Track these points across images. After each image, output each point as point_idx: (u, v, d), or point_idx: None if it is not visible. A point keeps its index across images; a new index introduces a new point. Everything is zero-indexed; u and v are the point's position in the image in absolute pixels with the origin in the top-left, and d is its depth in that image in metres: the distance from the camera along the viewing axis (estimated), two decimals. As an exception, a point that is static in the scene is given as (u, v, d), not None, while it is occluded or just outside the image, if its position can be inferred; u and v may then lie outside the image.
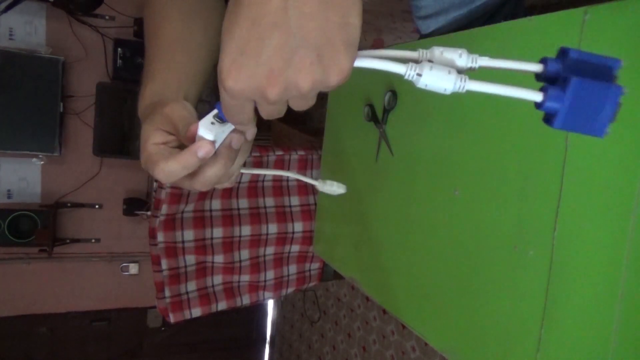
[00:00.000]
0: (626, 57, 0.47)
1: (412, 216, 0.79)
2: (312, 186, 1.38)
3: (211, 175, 0.39)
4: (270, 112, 0.32)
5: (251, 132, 0.40)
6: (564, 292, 0.52)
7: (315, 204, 1.34)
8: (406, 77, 0.29)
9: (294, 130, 1.86)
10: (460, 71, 0.29)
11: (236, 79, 0.28)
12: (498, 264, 0.61)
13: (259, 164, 1.29)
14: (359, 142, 0.97)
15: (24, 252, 2.10)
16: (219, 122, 0.37)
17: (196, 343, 2.65)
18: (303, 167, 1.36)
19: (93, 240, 2.25)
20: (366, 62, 0.30)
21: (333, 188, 0.49)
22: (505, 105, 0.61)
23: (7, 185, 2.07)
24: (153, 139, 0.41)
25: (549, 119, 0.27)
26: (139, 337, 2.48)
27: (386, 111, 0.86)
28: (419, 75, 0.28)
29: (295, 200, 1.37)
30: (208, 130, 0.36)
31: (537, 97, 0.27)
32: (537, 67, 0.28)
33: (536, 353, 0.54)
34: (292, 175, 0.46)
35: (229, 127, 0.37)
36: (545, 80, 0.28)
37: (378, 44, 1.50)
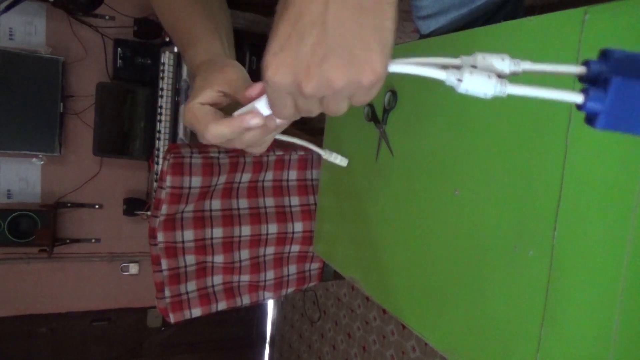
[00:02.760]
0: (626, 57, 0.47)
1: (412, 216, 0.79)
2: (312, 186, 1.38)
3: (249, 139, 0.42)
4: (306, 108, 0.34)
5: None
6: (564, 292, 0.52)
7: (315, 204, 1.34)
8: (447, 83, 0.30)
9: (294, 130, 1.86)
10: (501, 75, 0.29)
11: (275, 71, 0.31)
12: (498, 264, 0.61)
13: (259, 164, 1.29)
14: (359, 142, 0.97)
15: (24, 252, 2.09)
16: None
17: (196, 343, 2.65)
18: (303, 167, 1.36)
19: (93, 240, 2.25)
20: (406, 67, 0.31)
21: (337, 160, 0.52)
22: (505, 105, 0.61)
23: (7, 185, 2.07)
24: (202, 97, 0.43)
25: (591, 119, 0.27)
26: (139, 337, 2.48)
27: (386, 111, 0.86)
28: (460, 80, 0.29)
29: (295, 200, 1.37)
30: (263, 103, 0.38)
31: (578, 98, 0.27)
32: (580, 69, 0.28)
33: (536, 353, 0.54)
34: (301, 143, 0.48)
35: None
36: (588, 82, 0.28)
37: (378, 44, 1.49)
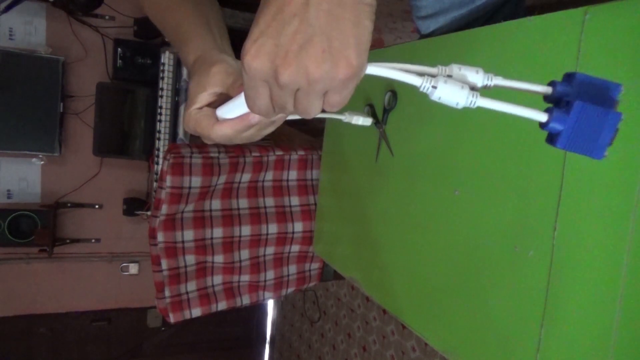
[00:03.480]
0: (626, 57, 0.47)
1: (412, 216, 0.79)
2: (312, 186, 1.38)
3: (249, 135, 0.43)
4: (280, 101, 0.34)
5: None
6: (564, 292, 0.52)
7: (315, 204, 1.34)
8: (421, 89, 0.31)
9: (294, 130, 1.86)
10: (473, 88, 0.31)
11: (254, 55, 0.31)
12: (498, 264, 0.61)
13: (259, 164, 1.29)
14: (359, 142, 0.97)
15: (24, 252, 2.10)
16: None
17: (196, 343, 2.65)
18: (303, 167, 1.36)
19: (93, 240, 2.25)
20: (383, 71, 0.32)
21: (360, 121, 0.51)
22: (505, 105, 0.61)
23: (7, 185, 2.07)
24: (198, 102, 0.45)
25: (552, 138, 0.29)
26: (139, 337, 2.48)
27: (386, 111, 0.86)
28: (434, 87, 0.30)
29: (295, 200, 1.37)
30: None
31: (542, 117, 0.29)
32: (545, 89, 0.30)
33: (536, 353, 0.54)
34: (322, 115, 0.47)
35: None
36: (552, 102, 0.30)
37: (378, 44, 1.50)
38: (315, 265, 1.45)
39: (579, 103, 0.27)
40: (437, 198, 0.73)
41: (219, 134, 0.42)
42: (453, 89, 0.30)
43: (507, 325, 0.59)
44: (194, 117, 0.44)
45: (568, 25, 0.52)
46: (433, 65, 0.32)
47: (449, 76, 0.31)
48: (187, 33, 0.53)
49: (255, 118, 0.40)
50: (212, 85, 0.45)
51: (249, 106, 0.36)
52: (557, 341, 0.52)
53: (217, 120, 0.43)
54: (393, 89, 0.85)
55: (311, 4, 0.29)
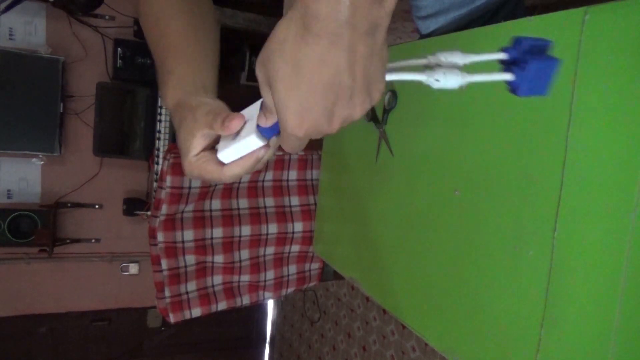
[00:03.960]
0: (626, 57, 0.47)
1: (412, 216, 0.79)
2: (312, 186, 1.38)
3: (261, 165, 0.45)
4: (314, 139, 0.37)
5: None
6: (564, 292, 0.52)
7: (315, 204, 1.34)
8: (426, 82, 0.35)
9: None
10: (460, 68, 0.36)
11: (299, 126, 0.33)
12: (498, 264, 0.61)
13: (259, 164, 1.29)
14: (359, 142, 0.97)
15: (24, 252, 2.10)
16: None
17: (196, 343, 2.65)
18: (303, 167, 1.36)
19: (93, 240, 2.25)
20: (392, 76, 0.36)
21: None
22: (505, 105, 0.61)
23: (7, 185, 2.07)
24: (193, 150, 0.46)
25: (514, 91, 0.36)
26: (139, 337, 2.48)
27: (386, 111, 0.86)
28: (438, 80, 0.35)
29: (295, 200, 1.37)
30: (259, 137, 0.40)
31: (509, 76, 0.36)
32: (503, 55, 0.38)
33: (536, 353, 0.54)
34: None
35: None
36: (509, 64, 0.37)
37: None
38: (315, 265, 1.45)
39: (534, 61, 0.35)
40: (437, 198, 0.73)
41: (230, 175, 0.44)
42: (452, 77, 0.35)
43: (507, 325, 0.59)
44: (196, 165, 0.45)
45: (568, 25, 0.52)
46: (422, 56, 0.36)
47: (438, 65, 0.36)
48: (168, 70, 0.53)
49: (264, 153, 0.42)
50: (199, 128, 0.45)
51: (287, 149, 0.38)
52: (557, 341, 0.52)
53: (220, 162, 0.44)
54: (393, 88, 0.85)
55: (345, 72, 0.30)
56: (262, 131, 0.40)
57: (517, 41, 0.37)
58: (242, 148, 0.42)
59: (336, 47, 0.29)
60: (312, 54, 0.30)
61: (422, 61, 0.36)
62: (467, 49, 0.36)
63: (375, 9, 0.29)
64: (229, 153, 0.43)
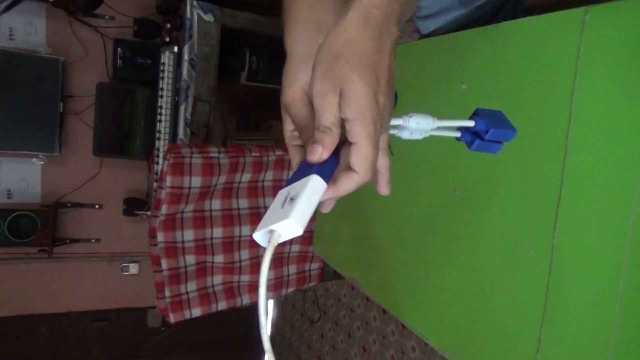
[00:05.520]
0: (626, 57, 0.47)
1: (412, 216, 0.79)
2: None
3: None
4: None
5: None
6: (564, 292, 0.52)
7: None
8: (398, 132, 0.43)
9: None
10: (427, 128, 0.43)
11: (375, 154, 0.37)
12: (498, 264, 0.61)
13: (259, 164, 1.29)
14: (359, 142, 0.97)
15: (24, 252, 2.09)
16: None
17: (196, 343, 2.65)
18: (303, 167, 1.36)
19: (93, 240, 2.25)
20: None
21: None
22: (505, 105, 0.61)
23: (7, 185, 2.07)
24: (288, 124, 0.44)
25: (468, 146, 0.46)
26: (139, 337, 2.48)
27: (386, 111, 0.86)
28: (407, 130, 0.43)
29: (295, 200, 1.37)
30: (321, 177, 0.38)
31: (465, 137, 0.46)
32: (471, 123, 0.44)
33: (536, 353, 0.54)
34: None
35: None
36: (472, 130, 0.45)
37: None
38: (315, 265, 1.45)
39: (493, 131, 0.43)
40: (437, 198, 0.73)
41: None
42: (418, 132, 0.43)
43: (507, 325, 0.59)
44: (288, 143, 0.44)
45: (568, 25, 0.52)
46: (398, 116, 0.43)
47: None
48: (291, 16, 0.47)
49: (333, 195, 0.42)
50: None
51: (360, 166, 0.38)
52: (557, 341, 0.52)
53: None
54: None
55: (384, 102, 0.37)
56: (320, 171, 0.36)
57: (476, 113, 0.44)
58: (309, 201, 0.35)
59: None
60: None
61: (398, 120, 0.43)
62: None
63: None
64: (302, 214, 0.34)
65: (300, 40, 0.44)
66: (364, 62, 0.36)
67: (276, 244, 0.34)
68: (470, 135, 0.44)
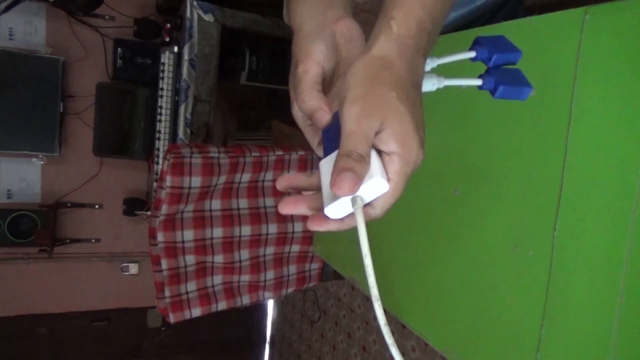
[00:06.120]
0: (626, 57, 0.47)
1: (412, 216, 0.79)
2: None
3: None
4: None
5: None
6: (564, 292, 0.52)
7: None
8: None
9: (294, 130, 1.86)
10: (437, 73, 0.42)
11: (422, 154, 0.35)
12: (498, 264, 0.61)
13: (259, 164, 1.29)
14: (359, 142, 0.97)
15: (24, 252, 2.09)
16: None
17: (196, 343, 2.64)
18: (303, 167, 1.36)
19: (93, 240, 2.24)
20: None
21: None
22: (505, 105, 0.61)
23: (7, 185, 2.07)
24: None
25: (492, 93, 0.42)
26: (139, 337, 2.48)
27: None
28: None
29: (295, 200, 1.37)
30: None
31: (479, 82, 0.42)
32: (471, 54, 0.43)
33: (536, 353, 0.54)
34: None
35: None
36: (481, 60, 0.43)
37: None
38: (315, 265, 1.45)
39: (497, 56, 0.42)
40: (437, 198, 0.73)
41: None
42: (427, 82, 0.40)
43: (507, 325, 0.59)
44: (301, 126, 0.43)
45: (568, 25, 0.52)
46: None
47: None
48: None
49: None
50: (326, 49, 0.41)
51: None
52: (557, 341, 0.52)
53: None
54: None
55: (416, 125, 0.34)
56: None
57: (478, 40, 0.42)
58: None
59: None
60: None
61: None
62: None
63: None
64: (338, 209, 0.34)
65: (308, 15, 0.42)
66: (407, 95, 0.34)
67: (362, 205, 0.33)
68: (493, 82, 0.41)
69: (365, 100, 0.33)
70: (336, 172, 0.32)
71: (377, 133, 0.33)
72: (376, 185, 0.32)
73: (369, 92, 0.33)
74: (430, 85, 0.39)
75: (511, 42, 0.43)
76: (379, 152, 0.34)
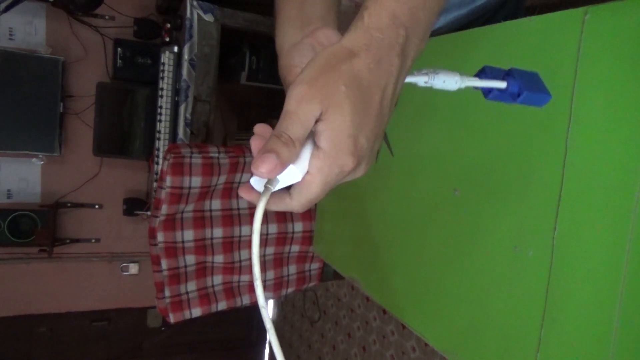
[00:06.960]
0: (626, 57, 0.47)
1: (412, 216, 0.79)
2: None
3: None
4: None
5: None
6: (564, 292, 0.52)
7: (316, 204, 1.34)
8: (429, 83, 0.39)
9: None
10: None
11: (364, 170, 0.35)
12: (498, 264, 0.61)
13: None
14: (359, 142, 0.97)
15: (24, 252, 2.09)
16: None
17: (196, 343, 2.65)
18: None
19: (93, 240, 2.25)
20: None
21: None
22: (505, 105, 0.61)
23: (7, 185, 2.07)
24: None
25: (514, 98, 0.43)
26: (139, 337, 2.48)
27: (386, 111, 0.86)
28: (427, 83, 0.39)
29: (295, 200, 1.37)
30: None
31: (502, 85, 0.42)
32: (503, 84, 0.42)
33: (536, 353, 0.54)
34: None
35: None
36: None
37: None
38: (315, 265, 1.45)
39: (526, 94, 0.41)
40: (437, 198, 0.73)
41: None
42: (450, 79, 0.39)
43: (507, 325, 0.59)
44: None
45: (568, 25, 0.52)
46: (426, 74, 0.40)
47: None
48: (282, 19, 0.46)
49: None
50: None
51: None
52: (557, 341, 0.52)
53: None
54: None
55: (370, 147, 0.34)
56: None
57: (511, 72, 0.41)
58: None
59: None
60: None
61: (425, 77, 0.39)
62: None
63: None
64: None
65: (289, 35, 0.42)
66: (360, 94, 0.32)
67: (272, 189, 0.33)
68: (518, 87, 0.41)
69: (313, 84, 0.31)
70: (261, 151, 0.31)
71: (317, 121, 0.32)
72: (290, 173, 0.32)
73: (320, 77, 0.31)
74: (453, 83, 0.38)
75: (543, 82, 0.42)
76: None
